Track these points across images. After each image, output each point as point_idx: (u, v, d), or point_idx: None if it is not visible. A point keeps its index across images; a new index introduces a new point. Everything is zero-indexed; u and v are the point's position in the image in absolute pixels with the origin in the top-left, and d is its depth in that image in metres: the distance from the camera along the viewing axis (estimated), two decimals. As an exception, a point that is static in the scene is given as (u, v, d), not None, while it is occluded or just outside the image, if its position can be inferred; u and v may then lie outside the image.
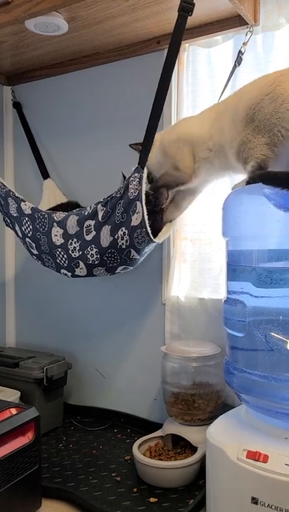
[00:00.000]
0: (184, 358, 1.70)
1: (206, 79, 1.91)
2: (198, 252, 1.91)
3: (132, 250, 1.64)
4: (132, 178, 1.55)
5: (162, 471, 1.54)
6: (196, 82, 1.91)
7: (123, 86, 2.04)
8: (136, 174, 1.54)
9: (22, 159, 2.37)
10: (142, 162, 1.53)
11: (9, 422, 1.28)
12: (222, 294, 1.81)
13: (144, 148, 1.52)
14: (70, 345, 2.25)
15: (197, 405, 1.70)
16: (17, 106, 2.29)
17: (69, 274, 1.79)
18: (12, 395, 1.88)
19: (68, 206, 1.88)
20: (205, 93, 1.90)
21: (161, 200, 1.63)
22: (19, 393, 1.90)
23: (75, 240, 1.70)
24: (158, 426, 1.91)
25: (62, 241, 1.73)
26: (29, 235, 1.79)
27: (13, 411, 1.36)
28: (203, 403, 1.70)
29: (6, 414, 1.33)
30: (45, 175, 2.22)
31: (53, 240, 1.74)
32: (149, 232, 1.58)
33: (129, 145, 1.73)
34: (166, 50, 1.87)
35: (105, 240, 1.64)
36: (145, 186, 1.55)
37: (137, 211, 1.57)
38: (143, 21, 1.73)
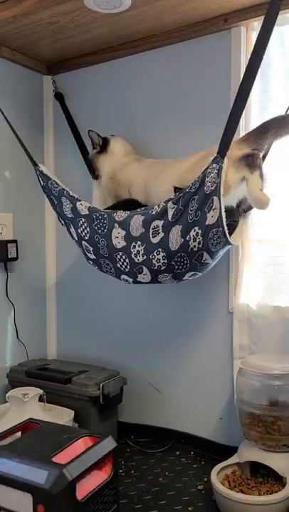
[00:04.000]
0: (264, 376, 1.50)
1: (278, 61, 1.71)
2: (270, 255, 1.72)
3: (204, 253, 1.45)
4: (209, 170, 1.35)
5: (251, 507, 1.34)
6: (268, 64, 1.72)
7: (182, 71, 1.85)
8: (214, 165, 1.34)
9: (63, 154, 2.18)
10: (222, 152, 1.33)
11: (87, 457, 1.09)
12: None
13: (226, 136, 1.32)
14: (120, 357, 2.05)
15: (277, 427, 1.50)
16: (59, 97, 2.10)
17: (130, 280, 1.60)
18: (66, 415, 1.69)
19: (129, 204, 1.69)
20: (277, 76, 1.71)
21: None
22: (73, 413, 1.72)
23: (139, 242, 1.51)
24: (225, 448, 1.73)
25: (124, 244, 1.54)
26: (86, 237, 1.60)
27: (89, 441, 1.16)
28: (285, 425, 1.50)
29: (81, 446, 1.14)
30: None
31: (114, 243, 1.55)
32: (226, 231, 1.38)
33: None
34: (233, 30, 1.74)
35: (175, 242, 1.45)
36: (223, 176, 1.35)
37: (213, 207, 1.37)
38: (212, -5, 1.53)
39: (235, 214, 1.47)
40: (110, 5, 1.51)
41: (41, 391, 1.65)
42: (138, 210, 1.56)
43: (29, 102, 2.13)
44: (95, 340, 2.14)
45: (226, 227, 1.38)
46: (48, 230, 2.23)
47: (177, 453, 1.81)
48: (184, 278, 1.55)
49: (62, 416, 1.70)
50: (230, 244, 1.42)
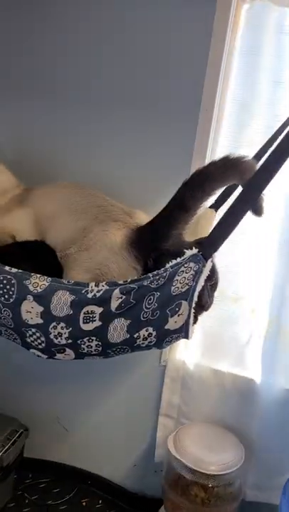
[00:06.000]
0: (198, 474, 1.29)
1: (272, 51, 1.21)
2: (218, 309, 1.41)
3: (153, 347, 1.08)
4: (183, 268, 0.93)
5: None
6: (257, 54, 1.21)
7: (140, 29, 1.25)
8: (191, 264, 0.92)
9: None
10: (208, 251, 0.90)
11: None
12: (249, 371, 1.39)
13: (219, 232, 0.89)
14: (17, 392, 1.68)
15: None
16: None
17: (44, 356, 1.18)
18: None
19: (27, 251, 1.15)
20: (265, 71, 1.23)
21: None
22: None
23: (62, 324, 1.06)
24: (138, 498, 1.60)
25: (41, 321, 1.07)
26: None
27: None
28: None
29: None
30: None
31: (23, 317, 1.07)
32: (190, 335, 1.02)
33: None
34: None
35: (117, 335, 1.04)
36: (203, 283, 0.94)
37: (179, 312, 0.98)
38: None
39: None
40: None
41: None
42: (63, 282, 1.07)
43: None
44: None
45: (191, 332, 1.01)
46: None
47: (83, 503, 1.63)
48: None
49: None
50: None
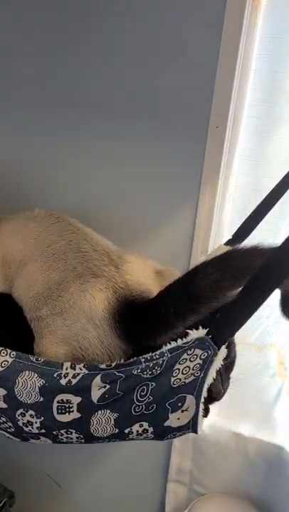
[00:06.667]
0: None
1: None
2: (237, 360, 1.14)
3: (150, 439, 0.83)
4: (185, 355, 0.66)
5: None
6: (280, 40, 0.92)
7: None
8: (197, 351, 0.66)
9: None
10: (220, 338, 0.64)
11: None
12: (277, 436, 1.13)
13: (232, 320, 0.62)
14: None
15: None
16: None
17: (17, 439, 0.94)
18: None
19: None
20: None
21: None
22: None
23: (31, 412, 0.81)
24: None
25: (4, 406, 0.82)
26: None
27: None
28: None
29: None
30: None
31: (-17, 399, 0.84)
32: (199, 430, 0.76)
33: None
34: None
35: (102, 429, 0.78)
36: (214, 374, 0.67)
37: (183, 408, 0.72)
38: None
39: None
40: None
41: None
42: (29, 358, 0.81)
43: None
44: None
45: (200, 426, 0.75)
46: None
47: None
48: None
49: None
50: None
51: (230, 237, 0.93)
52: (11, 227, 1.00)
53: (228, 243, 0.93)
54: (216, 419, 1.18)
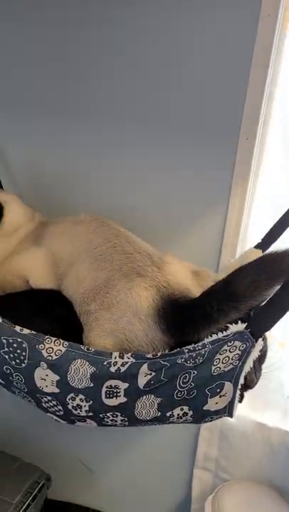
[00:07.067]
0: None
1: None
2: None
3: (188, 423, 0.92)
4: (226, 347, 0.75)
5: None
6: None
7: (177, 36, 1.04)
8: (236, 343, 0.75)
9: None
10: (259, 330, 0.73)
11: None
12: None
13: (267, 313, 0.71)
14: (38, 436, 1.54)
15: None
16: None
17: (64, 422, 1.03)
18: None
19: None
20: None
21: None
22: None
23: (82, 396, 0.91)
24: None
25: (57, 390, 0.92)
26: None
27: None
28: None
29: None
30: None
31: (38, 384, 0.93)
32: (234, 413, 0.85)
33: None
34: None
35: (146, 413, 0.88)
36: (251, 364, 0.76)
37: (222, 393, 0.81)
38: None
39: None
40: None
41: None
42: (80, 348, 0.91)
43: None
44: None
45: (235, 411, 0.83)
46: None
47: None
48: None
49: None
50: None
51: (260, 241, 1.01)
52: (59, 230, 1.09)
53: (257, 246, 1.01)
54: (242, 410, 1.26)
